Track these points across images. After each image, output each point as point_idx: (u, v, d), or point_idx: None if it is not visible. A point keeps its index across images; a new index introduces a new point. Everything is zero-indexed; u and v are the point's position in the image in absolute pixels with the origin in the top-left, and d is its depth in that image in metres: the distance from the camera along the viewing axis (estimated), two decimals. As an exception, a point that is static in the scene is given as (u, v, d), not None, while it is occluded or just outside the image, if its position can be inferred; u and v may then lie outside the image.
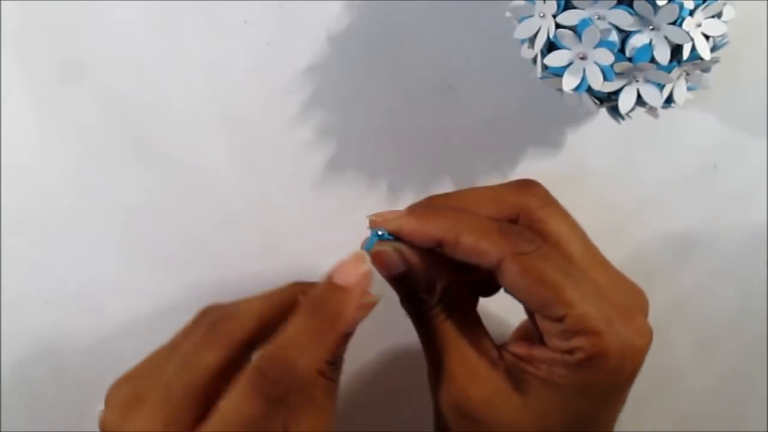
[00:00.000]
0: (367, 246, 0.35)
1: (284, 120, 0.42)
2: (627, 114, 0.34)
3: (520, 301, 0.33)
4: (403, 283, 0.35)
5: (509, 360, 0.34)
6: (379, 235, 0.35)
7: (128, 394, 0.33)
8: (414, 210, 0.35)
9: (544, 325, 0.33)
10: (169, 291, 0.44)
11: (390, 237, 0.35)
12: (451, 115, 0.42)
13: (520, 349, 0.34)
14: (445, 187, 0.43)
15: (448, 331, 0.34)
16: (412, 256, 0.34)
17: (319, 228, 0.43)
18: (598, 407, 0.34)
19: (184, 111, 0.42)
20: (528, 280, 0.32)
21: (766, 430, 0.45)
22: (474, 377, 0.33)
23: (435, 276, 0.34)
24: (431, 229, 0.33)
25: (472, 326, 0.35)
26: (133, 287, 0.44)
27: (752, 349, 0.44)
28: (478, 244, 0.32)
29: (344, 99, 0.42)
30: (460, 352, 0.34)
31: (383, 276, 0.35)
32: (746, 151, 0.42)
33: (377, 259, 0.34)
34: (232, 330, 0.33)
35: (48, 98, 0.42)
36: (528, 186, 0.36)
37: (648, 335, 0.33)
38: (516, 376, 0.33)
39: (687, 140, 0.42)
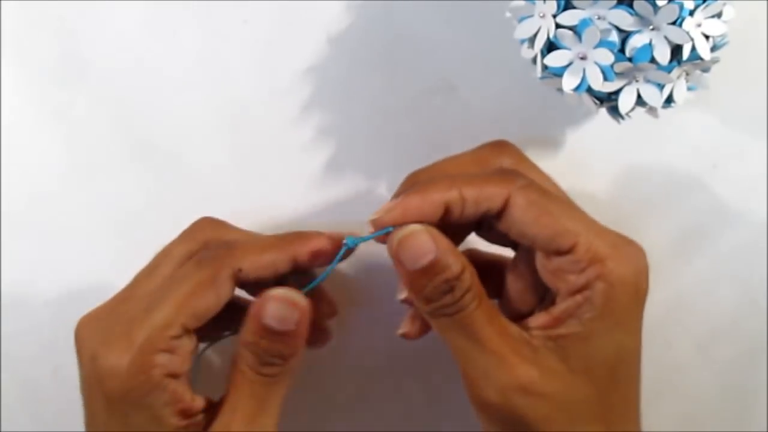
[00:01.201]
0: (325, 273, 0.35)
1: (284, 120, 0.42)
2: (627, 114, 0.34)
3: (525, 241, 0.33)
4: (430, 272, 0.32)
5: (537, 335, 0.33)
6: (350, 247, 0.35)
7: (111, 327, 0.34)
8: (407, 190, 0.34)
9: (554, 264, 0.33)
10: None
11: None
12: (451, 115, 0.42)
13: (542, 319, 0.33)
14: (445, 187, 0.43)
15: (484, 317, 0.32)
16: (439, 236, 0.32)
17: (319, 228, 0.43)
18: (631, 335, 0.33)
19: (184, 111, 0.42)
20: (535, 211, 0.32)
21: (766, 430, 0.45)
22: (522, 359, 0.32)
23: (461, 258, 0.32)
24: (436, 196, 0.33)
25: (496, 309, 0.34)
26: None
27: (752, 349, 0.44)
28: (482, 191, 0.33)
29: (344, 99, 0.42)
30: (501, 336, 0.32)
31: (407, 272, 0.32)
32: (746, 151, 0.42)
33: (402, 249, 0.32)
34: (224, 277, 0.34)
35: (48, 98, 0.42)
36: (502, 146, 0.37)
37: (645, 254, 0.34)
38: (550, 348, 0.33)
39: (687, 140, 0.42)
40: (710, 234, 0.43)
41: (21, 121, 0.42)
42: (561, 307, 0.33)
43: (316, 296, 0.37)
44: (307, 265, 0.36)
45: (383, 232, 0.33)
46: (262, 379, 0.33)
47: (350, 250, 0.36)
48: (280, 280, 0.36)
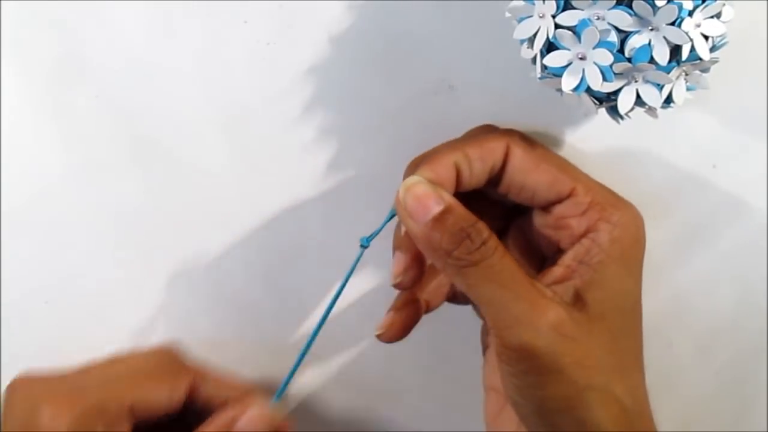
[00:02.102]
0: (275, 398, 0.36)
1: (284, 120, 0.42)
2: (626, 114, 0.34)
3: (525, 193, 0.34)
4: (445, 221, 0.32)
5: (554, 289, 0.33)
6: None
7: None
8: (418, 164, 0.35)
9: (555, 214, 0.34)
10: (168, 290, 0.44)
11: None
12: (451, 115, 0.42)
13: (555, 273, 0.33)
14: (445, 187, 0.43)
15: (511, 263, 0.32)
16: (444, 190, 0.33)
17: (319, 227, 0.43)
18: (637, 283, 0.34)
19: (184, 111, 0.42)
20: (534, 158, 0.34)
21: (766, 430, 0.45)
22: (553, 302, 0.32)
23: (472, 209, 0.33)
24: (444, 159, 0.34)
25: (516, 260, 0.34)
26: (134, 287, 0.44)
27: (752, 349, 0.44)
28: (483, 147, 0.34)
29: (344, 99, 0.42)
30: (530, 283, 0.32)
31: (421, 229, 0.32)
32: (746, 151, 0.42)
33: (412, 200, 0.32)
34: None
35: (48, 98, 0.42)
36: (491, 125, 0.39)
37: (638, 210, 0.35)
38: (568, 299, 0.33)
39: (686, 140, 0.42)
40: (710, 234, 0.43)
41: (21, 121, 0.42)
42: (570, 255, 0.33)
43: None
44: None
45: (390, 217, 0.34)
46: None
47: (366, 248, 0.37)
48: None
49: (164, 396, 0.35)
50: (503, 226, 0.38)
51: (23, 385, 0.34)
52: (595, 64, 0.32)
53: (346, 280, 0.36)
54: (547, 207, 0.34)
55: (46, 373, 0.35)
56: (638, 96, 0.33)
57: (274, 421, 0.35)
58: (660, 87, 0.32)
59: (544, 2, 0.32)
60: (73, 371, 0.36)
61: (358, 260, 0.36)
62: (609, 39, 0.32)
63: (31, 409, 0.32)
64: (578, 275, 0.33)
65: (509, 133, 0.35)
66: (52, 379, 0.35)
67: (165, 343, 0.39)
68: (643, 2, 0.31)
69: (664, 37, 0.31)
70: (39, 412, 0.32)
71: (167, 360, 0.37)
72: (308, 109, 0.42)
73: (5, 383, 0.43)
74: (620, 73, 0.32)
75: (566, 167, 0.35)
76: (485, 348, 0.40)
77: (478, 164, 0.34)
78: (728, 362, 0.45)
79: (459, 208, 0.32)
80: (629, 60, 0.32)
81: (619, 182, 0.43)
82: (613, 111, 0.35)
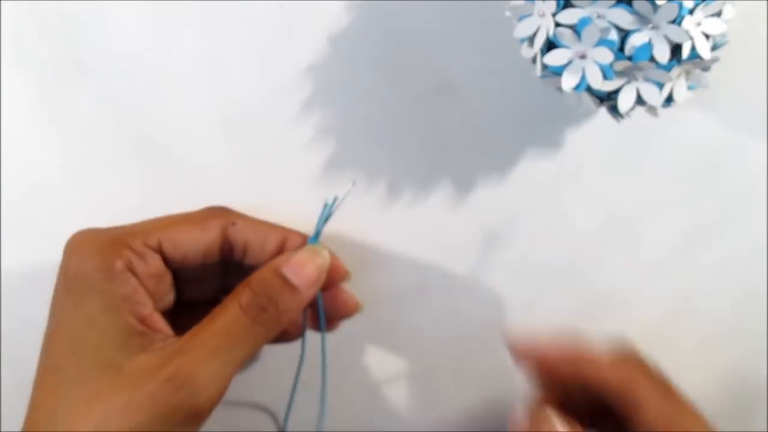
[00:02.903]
0: (312, 239, 0.36)
1: (284, 120, 0.42)
2: (627, 113, 0.34)
3: None
4: None
5: None
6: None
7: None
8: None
9: None
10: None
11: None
12: (451, 114, 0.42)
13: None
14: (445, 186, 0.43)
15: None
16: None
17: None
18: None
19: (184, 111, 0.42)
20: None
21: (766, 430, 0.45)
22: None
23: None
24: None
25: None
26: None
27: (752, 349, 0.44)
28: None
29: (344, 99, 0.42)
30: None
31: None
32: (746, 151, 0.42)
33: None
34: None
35: (48, 98, 0.42)
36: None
37: None
38: None
39: (687, 140, 0.42)
40: (710, 234, 0.43)
41: (21, 120, 0.42)
42: None
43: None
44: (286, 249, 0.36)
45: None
46: (245, 321, 0.32)
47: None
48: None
49: (195, 236, 0.34)
50: None
51: (76, 238, 0.34)
52: (596, 62, 0.32)
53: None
54: None
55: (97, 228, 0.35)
56: (639, 95, 0.33)
57: (317, 255, 0.35)
58: (660, 86, 0.32)
59: (544, 1, 0.32)
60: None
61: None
62: (609, 37, 0.32)
63: (67, 250, 0.33)
64: None
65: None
66: (90, 230, 0.35)
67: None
68: (643, 0, 0.31)
69: (665, 36, 0.31)
70: (71, 250, 0.33)
71: (201, 210, 0.36)
72: (308, 109, 0.42)
73: (6, 381, 0.44)
74: (620, 72, 0.32)
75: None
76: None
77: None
78: (728, 362, 0.45)
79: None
80: (630, 58, 0.32)
81: (619, 182, 0.43)
82: (614, 110, 0.35)
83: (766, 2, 0.40)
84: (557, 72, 0.33)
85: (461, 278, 0.44)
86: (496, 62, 0.41)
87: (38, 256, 0.43)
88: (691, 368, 0.45)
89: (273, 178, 0.43)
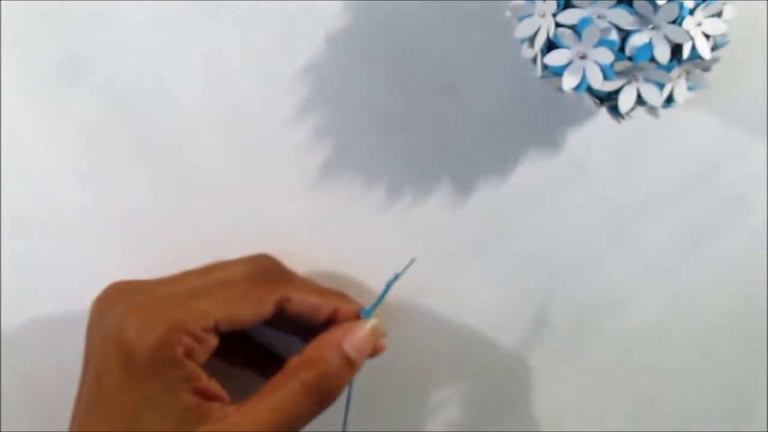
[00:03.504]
0: (366, 311, 0.38)
1: (284, 120, 0.42)
2: (627, 113, 0.34)
3: None
4: None
5: None
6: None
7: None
8: None
9: None
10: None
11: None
12: (451, 115, 0.42)
13: None
14: (445, 186, 0.43)
15: None
16: None
17: (319, 228, 0.43)
18: None
19: (184, 111, 0.42)
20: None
21: (766, 430, 0.45)
22: None
23: None
24: None
25: None
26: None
27: (752, 349, 0.44)
28: None
29: (344, 99, 0.42)
30: None
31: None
32: (746, 152, 0.42)
33: None
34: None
35: (48, 98, 0.42)
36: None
37: None
38: None
39: (687, 140, 0.42)
40: (710, 234, 0.43)
41: (21, 120, 0.42)
42: None
43: None
44: (337, 321, 0.38)
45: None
46: (307, 402, 0.34)
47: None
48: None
49: (251, 312, 0.35)
50: None
51: (113, 295, 0.35)
52: (596, 63, 0.32)
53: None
54: None
55: (136, 284, 0.36)
56: (639, 95, 0.33)
57: (377, 333, 0.37)
58: (661, 86, 0.32)
59: (544, 1, 0.32)
60: (164, 282, 0.36)
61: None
62: (610, 38, 0.32)
63: (119, 319, 0.33)
64: None
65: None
66: (142, 290, 0.35)
67: (258, 254, 0.39)
68: (644, 1, 0.31)
69: (665, 36, 0.31)
70: (126, 324, 0.33)
71: (258, 275, 0.37)
72: (308, 109, 0.42)
73: (6, 383, 0.43)
74: (621, 72, 0.32)
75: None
76: None
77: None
78: (728, 362, 0.45)
79: None
80: (630, 59, 0.32)
81: (619, 182, 0.43)
82: (614, 110, 0.35)
83: (766, 2, 0.40)
84: (557, 72, 0.33)
85: (461, 278, 0.44)
86: (496, 62, 0.41)
87: (38, 256, 0.43)
88: (691, 368, 0.45)
89: (273, 178, 0.43)
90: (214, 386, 0.34)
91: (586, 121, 0.42)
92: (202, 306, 0.34)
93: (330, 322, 0.38)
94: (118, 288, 0.36)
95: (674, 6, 0.31)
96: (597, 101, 0.34)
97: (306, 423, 0.34)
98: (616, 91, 0.33)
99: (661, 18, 0.31)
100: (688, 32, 0.31)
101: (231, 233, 0.43)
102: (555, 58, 0.32)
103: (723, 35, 0.33)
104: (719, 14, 0.32)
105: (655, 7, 0.31)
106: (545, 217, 0.43)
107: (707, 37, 0.32)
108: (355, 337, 0.35)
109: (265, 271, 0.38)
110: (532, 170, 0.42)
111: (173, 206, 0.43)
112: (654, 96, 0.32)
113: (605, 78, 0.32)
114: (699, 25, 0.32)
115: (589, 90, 0.33)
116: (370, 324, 0.37)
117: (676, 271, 0.44)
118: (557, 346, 0.44)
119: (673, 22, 0.31)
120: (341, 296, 0.40)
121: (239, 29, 0.41)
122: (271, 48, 0.41)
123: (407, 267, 0.38)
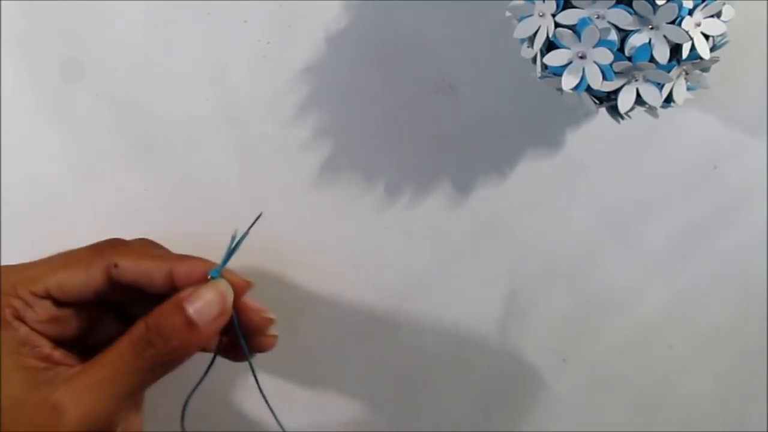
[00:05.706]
0: (214, 272, 0.34)
1: (284, 119, 0.42)
2: (626, 113, 0.34)
3: None
4: None
5: None
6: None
7: None
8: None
9: None
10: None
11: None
12: (451, 115, 0.42)
13: None
14: (444, 186, 0.43)
15: None
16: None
17: (319, 227, 0.43)
18: None
19: (184, 111, 0.42)
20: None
21: (766, 430, 0.45)
22: None
23: None
24: None
25: None
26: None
27: (752, 349, 0.44)
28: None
29: (344, 99, 0.42)
30: None
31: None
32: (746, 151, 0.42)
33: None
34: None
35: (48, 98, 0.42)
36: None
37: None
38: None
39: (687, 140, 0.42)
40: (710, 234, 0.43)
41: (21, 120, 0.42)
42: None
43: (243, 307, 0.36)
44: (179, 284, 0.35)
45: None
46: (129, 355, 0.32)
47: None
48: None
49: (80, 278, 0.34)
50: None
51: None
52: (595, 63, 0.32)
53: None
54: None
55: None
56: (638, 95, 0.33)
57: (223, 295, 0.34)
58: (660, 86, 0.32)
59: (544, 1, 0.32)
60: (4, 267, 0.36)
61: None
62: (609, 38, 0.32)
63: None
64: None
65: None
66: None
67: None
68: (643, 1, 0.31)
69: (665, 36, 0.31)
70: None
71: (94, 246, 0.36)
72: (308, 109, 0.42)
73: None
74: (620, 72, 0.32)
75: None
76: None
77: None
78: (728, 363, 0.45)
79: None
80: (629, 59, 0.32)
81: (619, 182, 0.43)
82: (614, 110, 0.35)
83: (766, 2, 0.40)
84: (557, 72, 0.33)
85: (461, 278, 0.44)
86: (496, 62, 0.41)
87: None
88: (691, 368, 0.45)
89: (273, 178, 0.43)
90: (60, 354, 0.33)
91: (586, 121, 0.42)
92: (33, 272, 0.34)
93: (167, 288, 0.35)
94: None
95: (673, 6, 0.31)
96: (596, 101, 0.34)
97: (139, 381, 0.33)
98: (616, 91, 0.33)
99: (661, 18, 0.31)
100: (687, 32, 0.31)
101: (231, 233, 0.43)
102: (554, 58, 0.33)
103: (722, 35, 0.33)
104: (718, 14, 0.32)
105: (655, 8, 0.31)
106: (545, 216, 0.43)
107: (706, 37, 0.32)
108: (196, 297, 0.33)
109: (104, 242, 0.37)
110: (532, 170, 0.42)
111: (173, 205, 0.43)
112: (653, 96, 0.32)
113: (605, 78, 0.32)
114: (698, 25, 0.32)
115: (589, 90, 0.33)
116: (214, 285, 0.33)
117: (675, 271, 0.44)
118: (557, 345, 0.44)
119: (672, 22, 0.31)
120: (184, 258, 0.36)
121: (239, 29, 0.41)
122: (272, 48, 0.42)
123: (254, 222, 0.35)
